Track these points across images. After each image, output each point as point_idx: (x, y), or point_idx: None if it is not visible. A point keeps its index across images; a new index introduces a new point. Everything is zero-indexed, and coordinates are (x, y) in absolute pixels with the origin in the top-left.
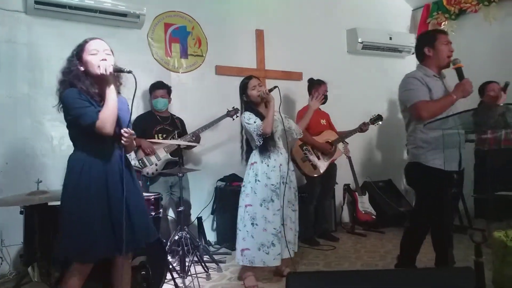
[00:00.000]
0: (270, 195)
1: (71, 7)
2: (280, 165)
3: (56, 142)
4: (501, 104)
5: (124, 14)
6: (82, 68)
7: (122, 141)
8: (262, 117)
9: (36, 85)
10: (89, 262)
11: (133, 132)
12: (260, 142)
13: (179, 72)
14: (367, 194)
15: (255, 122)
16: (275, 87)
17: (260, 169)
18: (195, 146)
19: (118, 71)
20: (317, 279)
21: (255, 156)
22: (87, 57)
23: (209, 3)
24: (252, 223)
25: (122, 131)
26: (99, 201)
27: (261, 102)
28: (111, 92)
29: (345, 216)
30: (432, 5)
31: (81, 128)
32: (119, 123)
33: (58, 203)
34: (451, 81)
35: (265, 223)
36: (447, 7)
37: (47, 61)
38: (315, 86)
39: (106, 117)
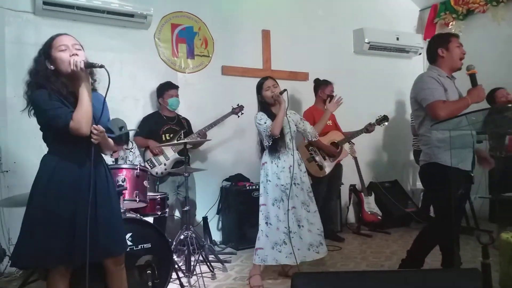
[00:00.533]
0: (281, 195)
1: (79, 7)
2: (290, 166)
3: None
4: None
5: (131, 15)
6: (52, 67)
7: (92, 139)
8: (274, 118)
9: None
10: (40, 267)
11: (102, 129)
12: (269, 143)
13: (185, 73)
14: (373, 194)
15: (265, 123)
16: (284, 90)
17: (270, 169)
18: (202, 143)
19: (89, 66)
20: (322, 279)
21: (265, 156)
22: (56, 54)
23: (216, 4)
24: (266, 222)
25: (91, 128)
26: (65, 206)
27: (275, 103)
28: (83, 89)
29: (351, 216)
30: (440, 5)
31: (55, 130)
32: (95, 122)
33: None
34: (460, 86)
35: (278, 222)
36: (454, 7)
37: None
38: (321, 86)
39: (80, 117)
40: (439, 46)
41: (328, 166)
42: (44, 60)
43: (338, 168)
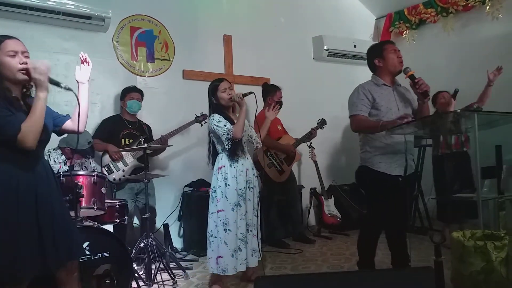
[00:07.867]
0: (238, 200)
1: (31, 8)
2: (247, 170)
3: None
4: (454, 110)
5: (88, 17)
6: None
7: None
8: (230, 120)
9: None
10: (11, 281)
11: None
12: (228, 146)
13: (145, 76)
14: (332, 197)
15: (225, 125)
16: (250, 92)
17: (229, 173)
18: (163, 150)
19: (53, 83)
20: (284, 282)
21: (222, 159)
22: (3, 58)
23: (176, 8)
24: (225, 229)
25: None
26: (26, 215)
27: (230, 106)
28: (39, 100)
29: (312, 219)
30: (394, 14)
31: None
32: (46, 131)
33: None
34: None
35: (236, 228)
36: (408, 17)
37: None
38: (271, 92)
39: (29, 129)
40: (375, 56)
41: (286, 171)
42: None
43: (290, 172)
